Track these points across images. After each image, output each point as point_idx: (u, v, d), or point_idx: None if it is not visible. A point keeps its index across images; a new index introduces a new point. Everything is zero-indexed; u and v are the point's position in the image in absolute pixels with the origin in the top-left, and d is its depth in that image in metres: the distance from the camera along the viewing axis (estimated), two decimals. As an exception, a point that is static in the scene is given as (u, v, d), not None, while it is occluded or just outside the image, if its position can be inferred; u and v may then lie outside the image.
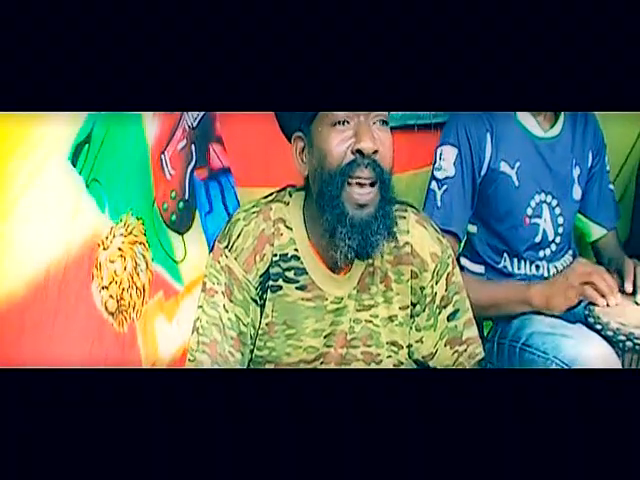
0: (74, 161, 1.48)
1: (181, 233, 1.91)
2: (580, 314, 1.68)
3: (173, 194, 1.87)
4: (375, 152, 1.30)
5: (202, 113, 1.93)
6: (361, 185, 1.31)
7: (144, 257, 1.74)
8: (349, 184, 1.30)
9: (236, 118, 1.97)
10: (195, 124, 1.92)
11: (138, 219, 1.72)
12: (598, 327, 1.60)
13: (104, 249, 1.59)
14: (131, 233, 1.69)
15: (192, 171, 1.94)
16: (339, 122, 1.31)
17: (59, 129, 1.41)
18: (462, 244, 1.91)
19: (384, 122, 1.33)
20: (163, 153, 1.80)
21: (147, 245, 1.75)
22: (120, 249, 1.64)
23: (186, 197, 1.91)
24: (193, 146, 1.92)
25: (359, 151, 1.30)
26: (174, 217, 1.88)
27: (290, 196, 1.43)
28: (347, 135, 1.31)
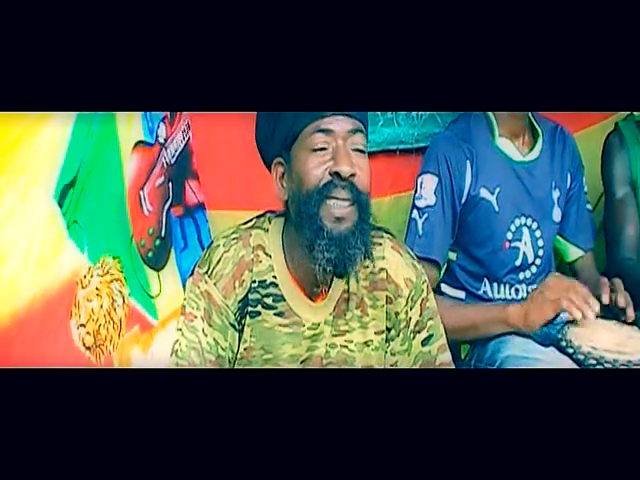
0: (60, 203, 1.54)
1: (157, 270, 1.97)
2: (554, 338, 1.75)
3: (150, 230, 1.94)
4: (352, 175, 1.38)
5: (180, 149, 2.02)
6: (338, 202, 1.38)
7: (121, 293, 1.80)
8: (326, 203, 1.38)
9: (217, 134, 2.06)
10: (173, 161, 2.00)
11: (115, 258, 1.79)
12: (570, 351, 1.68)
13: (82, 288, 1.65)
14: (108, 272, 1.76)
15: (169, 209, 2.02)
16: (318, 148, 1.39)
17: (42, 155, 1.48)
18: (442, 271, 1.97)
19: (361, 151, 1.42)
20: (142, 189, 1.87)
21: (124, 281, 1.82)
22: (97, 288, 1.71)
23: (162, 234, 1.98)
24: (170, 183, 1.99)
25: (337, 173, 1.38)
26: (150, 254, 1.94)
27: (269, 222, 1.51)
28: (325, 158, 1.39)
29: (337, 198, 1.38)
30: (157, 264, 1.98)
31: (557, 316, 1.76)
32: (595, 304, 1.70)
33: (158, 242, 1.98)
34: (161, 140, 1.95)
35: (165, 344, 1.84)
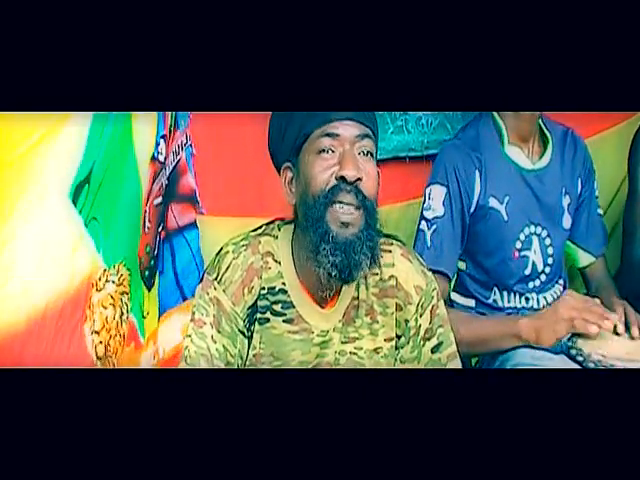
0: (75, 200, 1.53)
1: (149, 289, 1.99)
2: (564, 346, 1.76)
3: (148, 249, 1.94)
4: (358, 180, 1.41)
5: (170, 170, 2.04)
6: (344, 206, 1.41)
7: (127, 307, 1.81)
8: (332, 207, 1.41)
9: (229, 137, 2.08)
10: (167, 182, 2.01)
11: (128, 270, 1.80)
12: (580, 359, 1.70)
13: (97, 290, 1.65)
14: (122, 284, 1.77)
15: (161, 230, 2.03)
16: (324, 150, 1.43)
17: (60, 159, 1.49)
18: (452, 282, 1.98)
19: (369, 153, 1.45)
20: (145, 205, 1.89)
21: (129, 296, 1.83)
22: (112, 297, 1.71)
23: (155, 254, 2.00)
24: (162, 206, 2.01)
25: (342, 178, 1.41)
26: (147, 272, 1.95)
27: (279, 229, 1.53)
28: (331, 162, 1.42)
29: (343, 202, 1.41)
30: (149, 284, 1.99)
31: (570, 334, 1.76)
32: (612, 317, 1.71)
33: (152, 262, 1.99)
34: (161, 158, 1.97)
35: (147, 365, 1.90)
